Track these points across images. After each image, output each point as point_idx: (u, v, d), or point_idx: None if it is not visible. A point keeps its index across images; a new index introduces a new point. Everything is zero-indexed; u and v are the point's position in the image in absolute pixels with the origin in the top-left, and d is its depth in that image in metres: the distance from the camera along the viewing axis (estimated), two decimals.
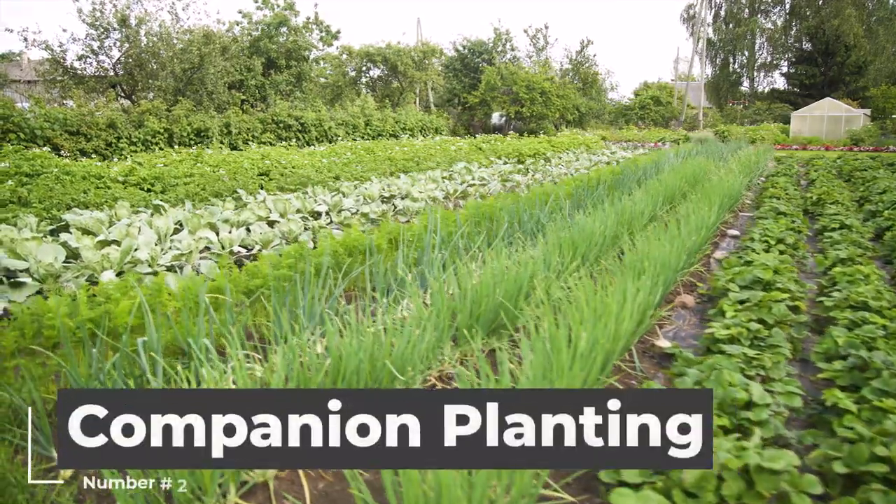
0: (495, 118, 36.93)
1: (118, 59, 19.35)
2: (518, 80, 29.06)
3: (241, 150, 17.44)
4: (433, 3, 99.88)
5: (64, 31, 27.35)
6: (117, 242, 5.79)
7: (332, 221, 7.39)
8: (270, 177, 11.40)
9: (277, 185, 10.50)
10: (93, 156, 13.98)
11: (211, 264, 5.59)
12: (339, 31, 28.11)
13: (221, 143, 17.55)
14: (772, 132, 30.57)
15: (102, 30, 18.87)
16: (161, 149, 15.92)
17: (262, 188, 10.18)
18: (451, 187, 10.26)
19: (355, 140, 22.45)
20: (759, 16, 49.89)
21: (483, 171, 13.26)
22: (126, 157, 14.47)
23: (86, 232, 6.34)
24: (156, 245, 5.88)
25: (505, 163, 16.46)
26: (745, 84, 52.51)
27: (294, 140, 19.86)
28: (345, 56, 31.36)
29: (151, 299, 3.58)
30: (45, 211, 7.45)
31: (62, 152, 12.38)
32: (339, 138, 21.90)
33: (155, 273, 5.25)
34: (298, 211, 7.93)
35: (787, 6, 48.96)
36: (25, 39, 18.56)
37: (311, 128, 20.77)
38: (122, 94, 19.79)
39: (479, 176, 12.24)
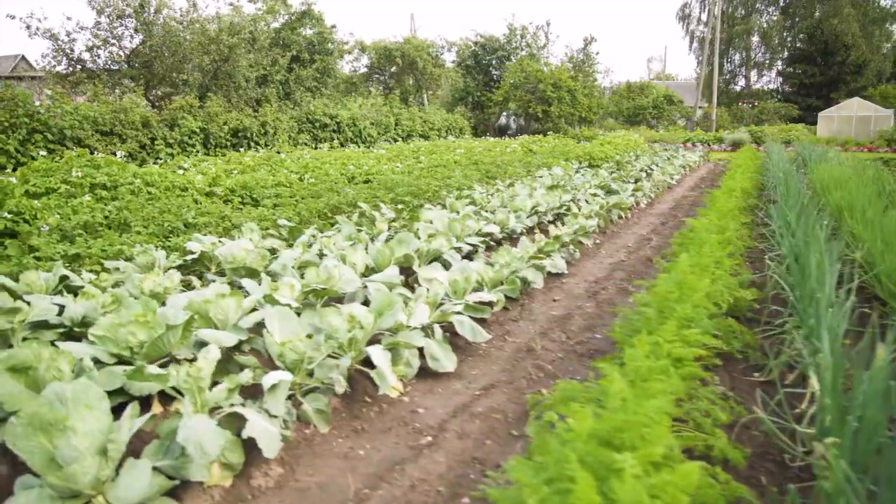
0: (503, 118, 35.27)
1: (133, 51, 17.23)
2: (544, 77, 27.53)
3: (280, 152, 15.55)
4: (424, 1, 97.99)
5: (68, 18, 24.92)
6: (326, 291, 4.05)
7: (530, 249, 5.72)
8: (356, 184, 9.63)
9: (385, 195, 8.73)
10: (129, 160, 11.97)
11: (468, 322, 3.91)
12: (334, 26, 26.27)
13: (258, 144, 15.63)
14: (803, 133, 29.62)
15: (115, 17, 16.74)
16: (198, 151, 13.95)
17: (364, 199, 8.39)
18: (600, 200, 8.64)
19: (387, 141, 20.65)
20: (754, 15, 49.41)
21: (579, 178, 11.67)
22: (164, 161, 12.51)
23: (250, 273, 4.57)
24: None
25: (578, 168, 14.89)
26: (742, 83, 52.03)
27: (333, 141, 17.98)
28: (357, 51, 29.49)
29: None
30: (154, 237, 5.63)
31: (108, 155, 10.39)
32: (373, 139, 20.08)
33: (420, 350, 3.54)
34: (475, 234, 6.24)
35: (781, 5, 48.58)
36: (28, 27, 16.23)
37: (346, 128, 18.92)
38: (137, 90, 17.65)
39: (603, 185, 10.63)
